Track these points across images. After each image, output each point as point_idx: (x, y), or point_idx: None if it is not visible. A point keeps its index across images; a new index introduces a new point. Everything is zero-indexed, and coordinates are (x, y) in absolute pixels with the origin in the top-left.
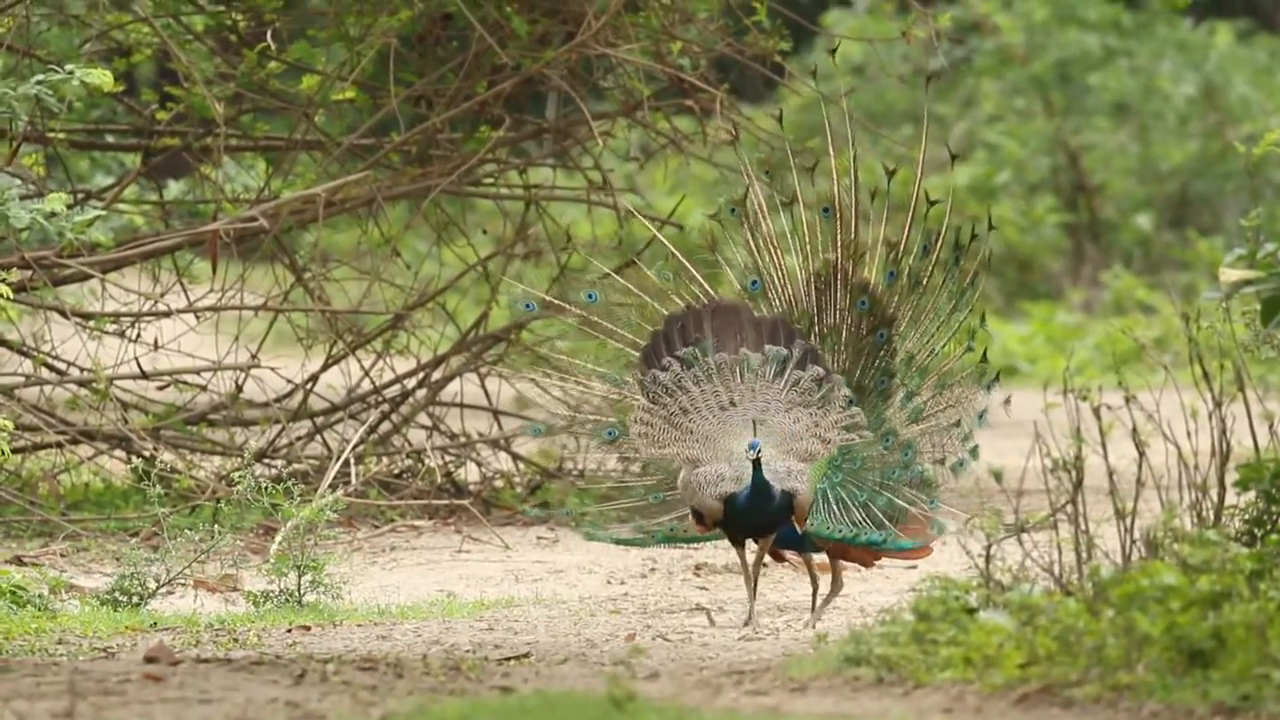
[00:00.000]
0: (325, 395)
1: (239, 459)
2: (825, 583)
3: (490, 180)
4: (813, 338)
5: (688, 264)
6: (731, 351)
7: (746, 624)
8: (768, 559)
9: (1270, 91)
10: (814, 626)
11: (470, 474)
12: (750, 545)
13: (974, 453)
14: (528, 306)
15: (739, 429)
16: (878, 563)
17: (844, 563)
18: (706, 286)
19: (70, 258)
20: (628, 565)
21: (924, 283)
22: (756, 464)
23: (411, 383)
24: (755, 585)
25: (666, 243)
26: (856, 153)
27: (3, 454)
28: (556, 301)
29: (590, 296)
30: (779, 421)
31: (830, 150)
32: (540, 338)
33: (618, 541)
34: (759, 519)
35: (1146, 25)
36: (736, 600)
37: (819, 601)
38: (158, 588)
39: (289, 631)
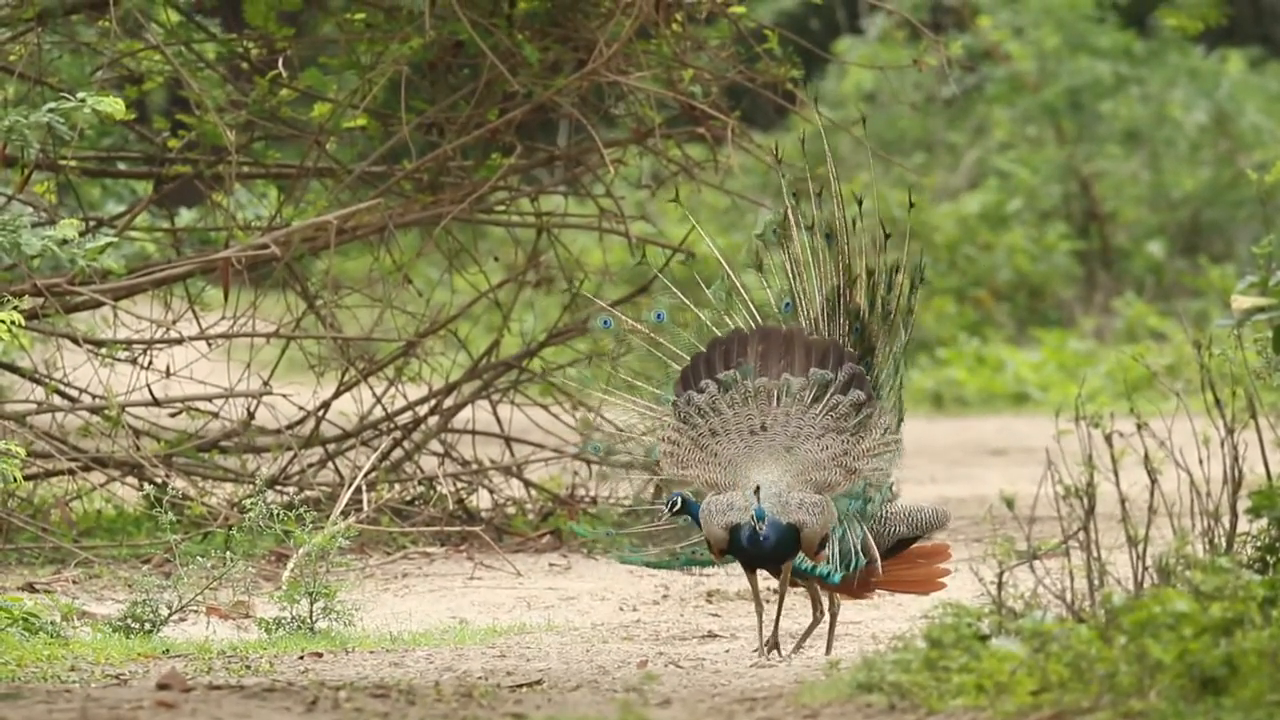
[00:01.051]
0: (337, 422)
1: (251, 486)
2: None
3: (502, 208)
4: None
5: (739, 284)
6: (774, 376)
7: (756, 651)
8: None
9: None
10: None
11: (482, 501)
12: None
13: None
14: (605, 324)
15: (763, 456)
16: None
17: (837, 592)
18: (752, 308)
19: (82, 285)
20: (640, 592)
21: (891, 315)
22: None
23: (423, 410)
24: (778, 613)
25: (722, 261)
26: (838, 184)
27: (15, 481)
28: (630, 321)
29: (659, 316)
30: (805, 449)
31: (833, 175)
32: (552, 365)
33: (647, 564)
34: (761, 552)
35: (1158, 53)
36: (749, 627)
37: (817, 630)
38: (170, 614)
39: (301, 658)
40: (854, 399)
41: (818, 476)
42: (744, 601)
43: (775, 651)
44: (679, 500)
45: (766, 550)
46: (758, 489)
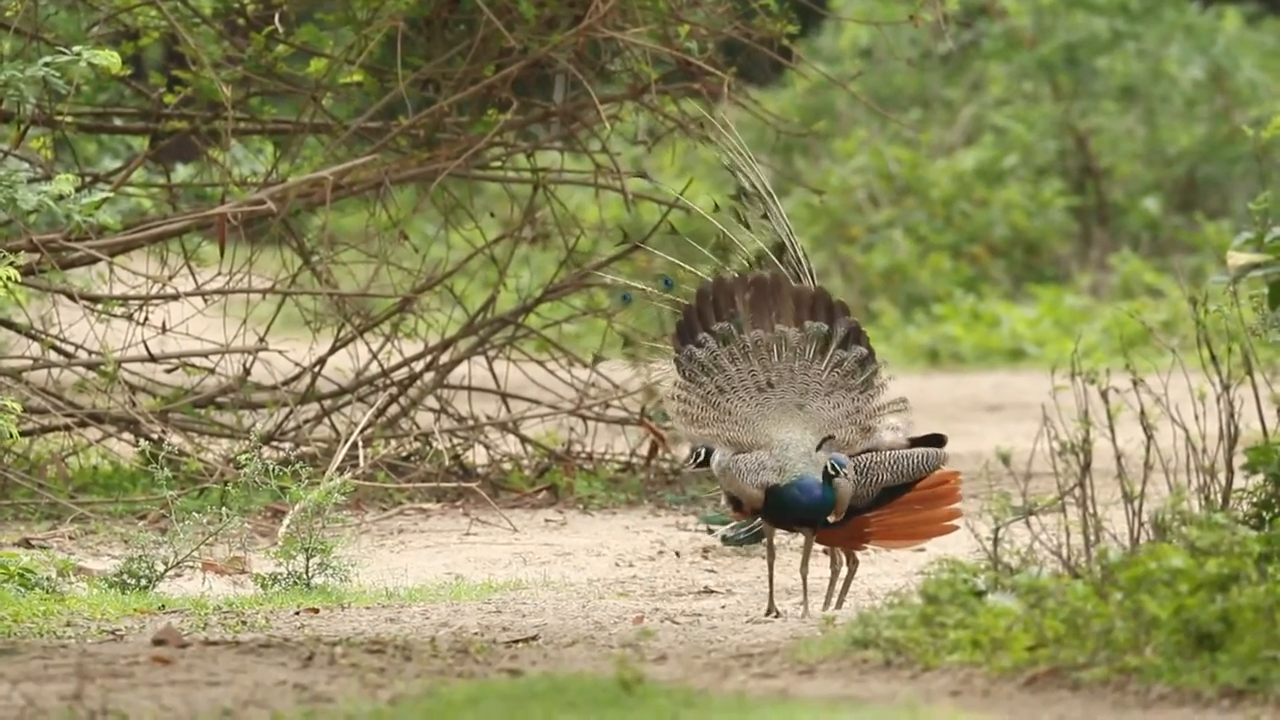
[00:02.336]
0: (333, 378)
1: (247, 442)
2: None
3: (498, 164)
4: None
5: (734, 238)
6: (766, 327)
7: (769, 613)
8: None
9: (1278, 75)
10: (833, 609)
11: (478, 457)
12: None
13: None
14: (625, 298)
15: (777, 413)
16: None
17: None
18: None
19: (78, 241)
20: (636, 548)
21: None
22: (827, 477)
23: (419, 366)
24: (804, 573)
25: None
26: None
27: (11, 437)
28: (649, 289)
29: (666, 282)
30: (818, 406)
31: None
32: (548, 320)
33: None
34: (803, 515)
35: (1154, 9)
36: (744, 583)
37: (838, 585)
38: (166, 570)
39: (297, 614)
40: (857, 355)
41: (838, 436)
42: (740, 558)
43: (805, 609)
44: (703, 452)
45: (809, 509)
46: (825, 441)
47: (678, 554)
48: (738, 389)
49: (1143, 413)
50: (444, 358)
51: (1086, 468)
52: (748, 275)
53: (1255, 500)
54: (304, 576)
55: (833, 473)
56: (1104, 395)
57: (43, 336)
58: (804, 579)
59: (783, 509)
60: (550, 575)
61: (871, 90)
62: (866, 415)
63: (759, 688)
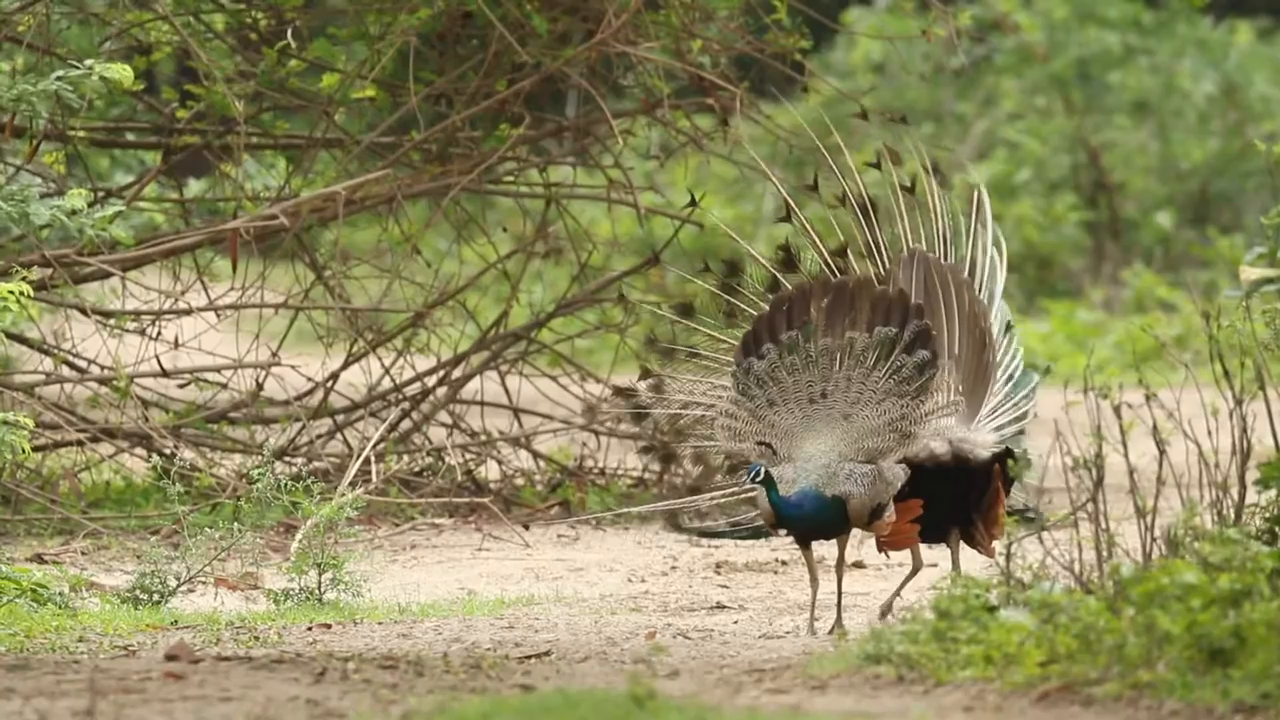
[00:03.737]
0: (346, 393)
1: (259, 457)
2: (827, 581)
3: (510, 178)
4: None
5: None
6: (838, 334)
7: (809, 631)
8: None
9: None
10: (890, 613)
11: (491, 472)
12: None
13: None
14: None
15: (820, 426)
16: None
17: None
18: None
19: (91, 255)
20: (648, 563)
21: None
22: (768, 484)
23: (432, 381)
24: (839, 587)
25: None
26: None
27: (24, 452)
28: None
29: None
30: (863, 416)
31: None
32: (560, 335)
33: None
34: (809, 525)
35: (1166, 23)
36: (756, 599)
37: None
38: (178, 586)
39: (309, 629)
40: (919, 359)
41: (870, 444)
42: (752, 573)
43: (839, 626)
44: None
45: (807, 521)
46: (768, 445)
47: (689, 571)
48: (789, 401)
49: (1155, 428)
50: (456, 373)
51: (1099, 483)
52: (830, 281)
53: (1268, 515)
54: (316, 592)
55: (746, 480)
56: (1117, 410)
57: (55, 351)
58: (838, 592)
59: (791, 520)
60: (563, 590)
61: (884, 105)
62: (911, 421)
63: (771, 703)
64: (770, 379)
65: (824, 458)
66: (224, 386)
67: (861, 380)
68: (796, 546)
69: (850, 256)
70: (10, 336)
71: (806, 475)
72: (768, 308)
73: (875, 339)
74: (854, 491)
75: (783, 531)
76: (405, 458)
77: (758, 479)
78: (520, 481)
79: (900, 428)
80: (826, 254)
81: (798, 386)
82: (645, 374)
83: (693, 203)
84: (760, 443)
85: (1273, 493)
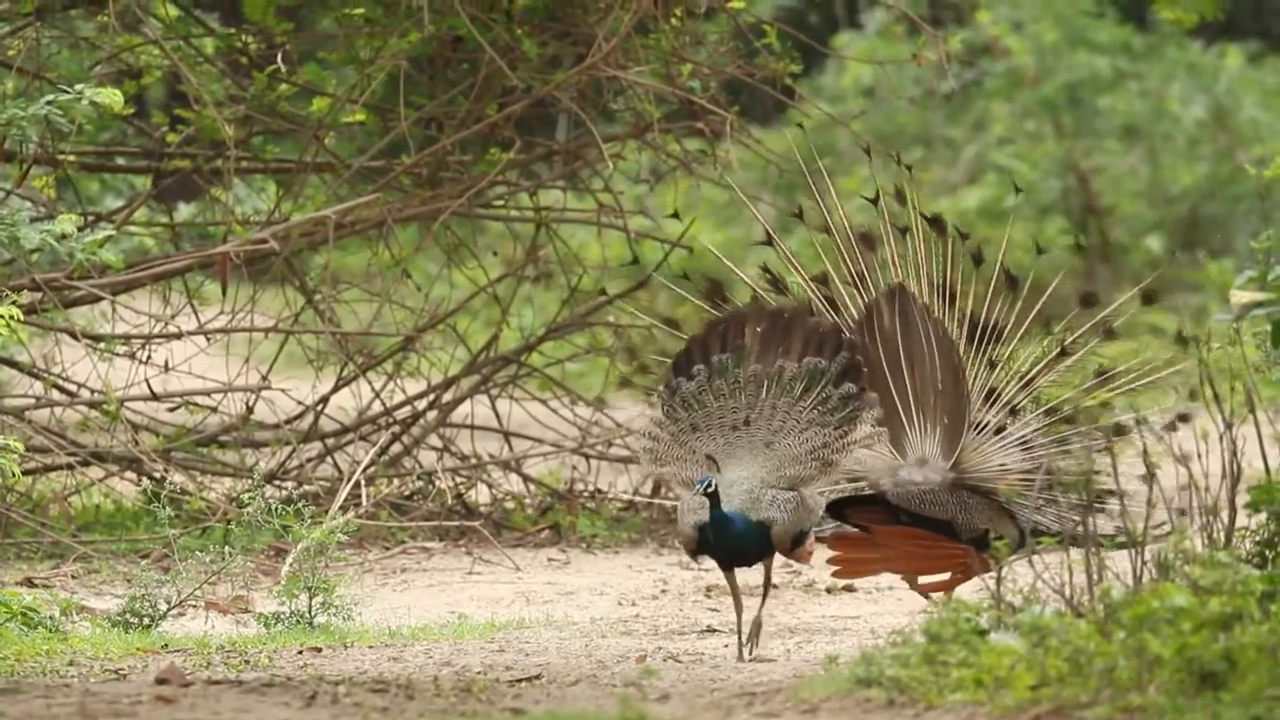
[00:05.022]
0: (336, 417)
1: (249, 480)
2: (753, 606)
3: (500, 202)
4: None
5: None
6: (769, 364)
7: (740, 657)
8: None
9: None
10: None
11: (481, 496)
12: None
13: None
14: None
15: (743, 454)
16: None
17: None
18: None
19: (81, 279)
20: (639, 587)
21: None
22: (714, 499)
23: (422, 404)
24: (760, 610)
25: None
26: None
27: (13, 476)
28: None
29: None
30: (786, 444)
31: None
32: (551, 359)
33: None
34: (731, 551)
35: (1156, 48)
36: (746, 623)
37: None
38: (169, 609)
39: (300, 653)
40: (844, 392)
41: (792, 471)
42: (743, 597)
43: (751, 648)
44: (711, 481)
45: (734, 545)
46: (704, 482)
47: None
48: (711, 427)
49: (1145, 451)
50: (447, 396)
51: (1090, 506)
52: (766, 307)
53: (1258, 539)
54: (307, 615)
55: (699, 489)
56: (1108, 434)
57: (45, 375)
58: (757, 615)
59: (712, 546)
60: (553, 614)
61: (874, 129)
62: (833, 450)
63: None
64: (696, 402)
65: (746, 483)
66: (214, 410)
67: (786, 410)
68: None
69: (831, 284)
70: (0, 360)
71: (729, 500)
72: (702, 329)
73: (804, 370)
74: (777, 517)
75: (702, 558)
76: (395, 481)
77: (708, 489)
78: (511, 505)
79: (822, 455)
80: (809, 281)
81: (722, 412)
82: (625, 385)
83: (676, 215)
84: (708, 456)
85: (1262, 516)
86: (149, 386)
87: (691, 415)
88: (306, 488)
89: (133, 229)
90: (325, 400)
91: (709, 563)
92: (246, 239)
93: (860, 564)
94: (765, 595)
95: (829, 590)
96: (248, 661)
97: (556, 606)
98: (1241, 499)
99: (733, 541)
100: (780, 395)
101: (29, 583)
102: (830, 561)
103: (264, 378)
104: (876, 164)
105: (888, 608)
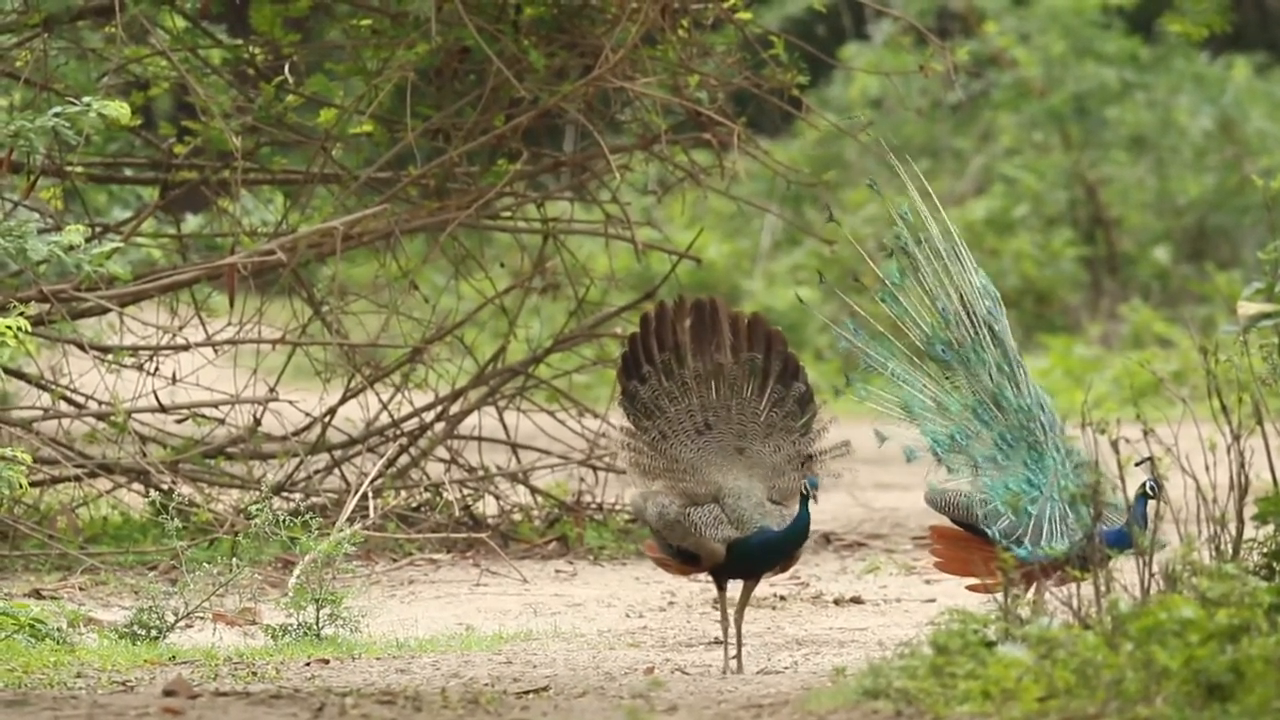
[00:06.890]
0: (343, 428)
1: (257, 492)
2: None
3: (508, 214)
4: None
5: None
6: (707, 360)
7: (725, 672)
8: None
9: None
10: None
11: (489, 507)
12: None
13: None
14: (857, 332)
15: (720, 460)
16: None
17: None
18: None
19: (88, 291)
20: (646, 599)
21: None
22: (804, 501)
23: (429, 416)
24: (739, 627)
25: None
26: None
27: (21, 487)
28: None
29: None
30: (757, 451)
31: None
32: (558, 371)
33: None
34: (762, 565)
35: (1164, 59)
36: (754, 634)
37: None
38: (176, 621)
39: (307, 665)
40: (797, 393)
41: (780, 484)
42: (749, 608)
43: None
44: (818, 482)
45: (765, 558)
46: (813, 484)
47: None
48: (678, 433)
49: (1153, 463)
50: (454, 408)
51: (1097, 517)
52: (688, 300)
53: (1266, 551)
54: (314, 627)
55: (806, 493)
56: (1114, 445)
57: (53, 387)
58: (738, 631)
59: (748, 560)
60: (561, 626)
61: (881, 141)
62: (806, 460)
63: None
64: (655, 407)
65: (754, 495)
66: (221, 422)
67: (741, 411)
68: (713, 584)
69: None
70: (8, 372)
71: (743, 512)
72: (637, 327)
73: (743, 366)
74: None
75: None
76: (403, 493)
77: (816, 489)
78: (518, 517)
79: (798, 466)
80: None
81: (680, 416)
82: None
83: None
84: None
85: (1270, 528)
86: (156, 398)
87: (656, 422)
88: (314, 499)
89: (140, 240)
90: (333, 412)
91: (702, 576)
92: (254, 250)
93: (962, 562)
94: (742, 611)
95: (836, 602)
96: (255, 673)
97: (564, 618)
98: (1249, 511)
99: (770, 554)
100: (732, 395)
101: (36, 594)
102: (933, 554)
103: (271, 389)
104: (885, 175)
105: (895, 620)
